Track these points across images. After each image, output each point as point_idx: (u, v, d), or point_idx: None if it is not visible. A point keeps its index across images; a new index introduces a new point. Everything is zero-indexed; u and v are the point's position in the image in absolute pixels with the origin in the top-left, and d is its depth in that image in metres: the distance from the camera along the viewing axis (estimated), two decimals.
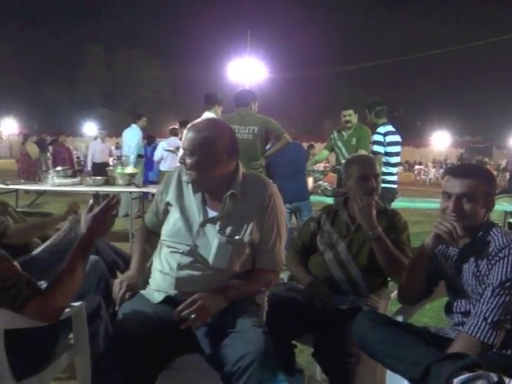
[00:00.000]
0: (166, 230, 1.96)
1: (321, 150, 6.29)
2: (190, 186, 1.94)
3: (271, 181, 2.15)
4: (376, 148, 4.95)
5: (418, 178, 25.23)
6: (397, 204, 5.30)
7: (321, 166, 6.72)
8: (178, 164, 1.94)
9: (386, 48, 44.16)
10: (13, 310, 1.61)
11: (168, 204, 1.98)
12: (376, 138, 4.98)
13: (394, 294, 2.20)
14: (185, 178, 1.92)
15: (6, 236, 2.63)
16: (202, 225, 1.89)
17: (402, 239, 2.33)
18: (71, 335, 2.11)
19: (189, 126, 1.89)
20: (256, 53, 29.59)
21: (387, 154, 4.91)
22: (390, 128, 5.02)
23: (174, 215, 1.94)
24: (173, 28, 48.57)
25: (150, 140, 10.33)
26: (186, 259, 1.87)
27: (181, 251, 1.88)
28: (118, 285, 1.92)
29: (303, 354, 2.67)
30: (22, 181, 7.00)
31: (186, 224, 1.91)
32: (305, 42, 46.05)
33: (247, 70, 27.91)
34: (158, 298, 1.89)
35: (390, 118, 5.22)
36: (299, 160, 5.28)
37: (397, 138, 5.06)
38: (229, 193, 1.87)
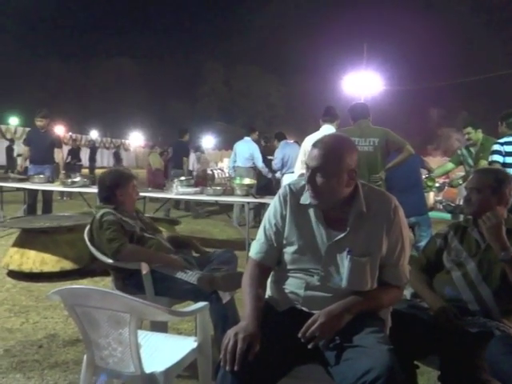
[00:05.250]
0: (287, 258, 1.88)
1: (445, 163, 6.04)
2: (308, 206, 1.86)
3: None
4: (494, 157, 4.56)
5: None
6: None
7: (440, 180, 6.31)
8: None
9: (510, 56, 40.88)
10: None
11: (288, 228, 1.88)
12: (495, 147, 4.61)
13: None
14: (310, 200, 1.82)
15: (119, 254, 2.74)
16: (330, 247, 1.82)
17: None
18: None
19: (316, 143, 1.80)
20: (372, 65, 29.13)
21: (505, 165, 4.46)
22: None
23: (296, 241, 1.86)
24: (288, 43, 49.42)
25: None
26: (315, 282, 1.83)
27: (307, 276, 1.84)
28: (233, 337, 1.62)
29: (423, 377, 2.54)
30: (150, 189, 7.49)
31: (310, 248, 1.84)
32: (422, 53, 44.29)
33: (362, 83, 27.56)
34: (283, 307, 1.89)
35: None
36: (417, 172, 5.07)
37: None
38: (356, 211, 1.80)
